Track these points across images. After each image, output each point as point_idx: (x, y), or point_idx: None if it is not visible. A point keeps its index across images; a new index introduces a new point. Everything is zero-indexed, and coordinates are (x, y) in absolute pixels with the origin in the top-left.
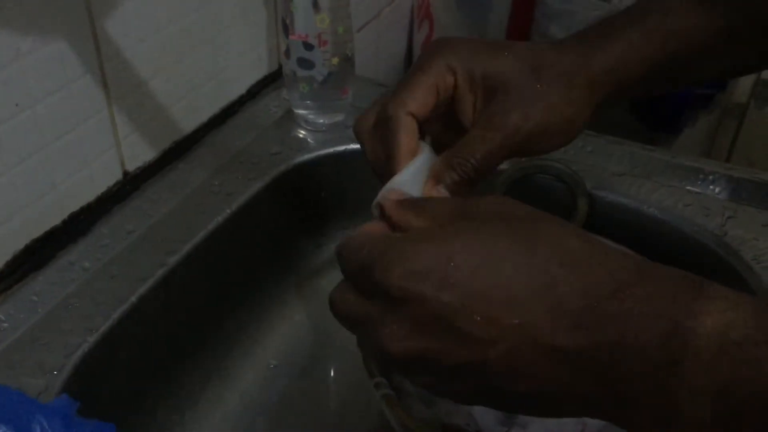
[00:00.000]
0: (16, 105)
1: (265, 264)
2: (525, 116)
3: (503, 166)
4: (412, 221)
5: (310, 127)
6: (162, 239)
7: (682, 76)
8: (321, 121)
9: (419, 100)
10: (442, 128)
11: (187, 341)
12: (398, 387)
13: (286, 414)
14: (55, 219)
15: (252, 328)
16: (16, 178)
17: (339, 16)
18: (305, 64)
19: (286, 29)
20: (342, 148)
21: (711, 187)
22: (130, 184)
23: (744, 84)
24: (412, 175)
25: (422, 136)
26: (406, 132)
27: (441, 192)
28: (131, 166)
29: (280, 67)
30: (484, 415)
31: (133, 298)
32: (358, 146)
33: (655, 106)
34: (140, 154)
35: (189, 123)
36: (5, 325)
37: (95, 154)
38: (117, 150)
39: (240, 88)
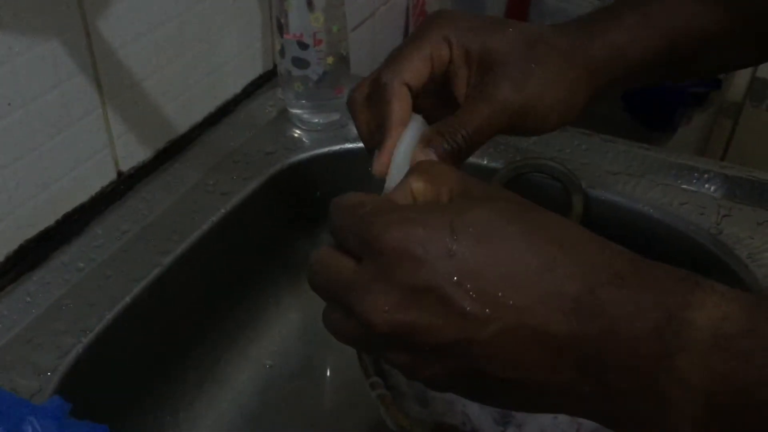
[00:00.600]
0: (9, 104)
1: (260, 264)
2: (517, 90)
3: (498, 165)
4: (414, 185)
5: (305, 126)
6: (156, 239)
7: (682, 66)
8: (316, 120)
9: (413, 70)
10: (436, 104)
11: (182, 341)
12: (394, 387)
13: (282, 414)
14: (49, 219)
15: (247, 328)
16: (9, 178)
17: (334, 15)
18: (300, 63)
19: (281, 28)
20: (337, 147)
21: (706, 185)
22: (124, 184)
23: (739, 82)
24: (404, 146)
25: (416, 110)
26: (399, 100)
27: (430, 155)
28: (125, 166)
29: (275, 66)
30: (479, 414)
31: (128, 299)
32: (353, 146)
33: (650, 104)
34: (134, 153)
35: (183, 122)
36: None
37: (89, 153)
38: (111, 150)
39: (235, 88)
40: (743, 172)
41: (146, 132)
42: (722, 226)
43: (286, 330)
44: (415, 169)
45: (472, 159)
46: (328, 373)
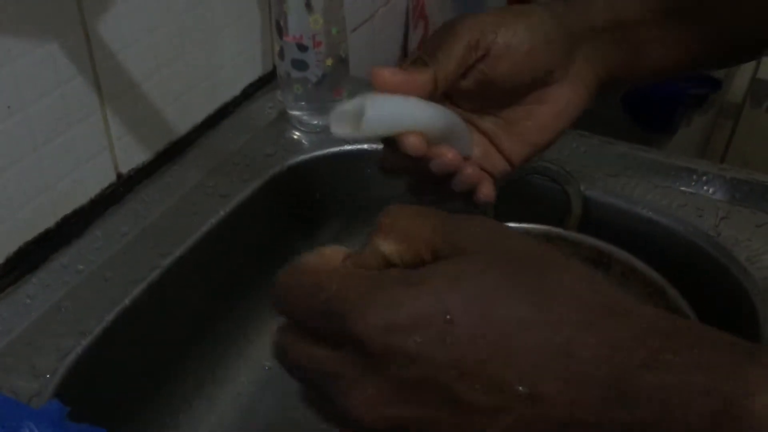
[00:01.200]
0: (8, 107)
1: (260, 265)
2: (488, 23)
3: None
4: (385, 248)
5: (305, 128)
6: (156, 241)
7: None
8: (315, 122)
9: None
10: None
11: (181, 343)
12: None
13: (281, 416)
14: (49, 221)
15: (247, 329)
16: (8, 180)
17: (333, 17)
18: (299, 65)
19: (280, 30)
20: (336, 149)
21: (705, 187)
22: (124, 186)
23: (739, 83)
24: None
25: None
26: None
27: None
28: (125, 168)
29: (274, 68)
30: None
31: (127, 301)
32: (352, 148)
33: (649, 105)
34: (134, 155)
35: (183, 124)
36: None
37: (88, 156)
38: (110, 152)
39: (234, 90)
40: (742, 174)
41: (146, 134)
42: (721, 228)
43: None
44: (380, 228)
45: None
46: None
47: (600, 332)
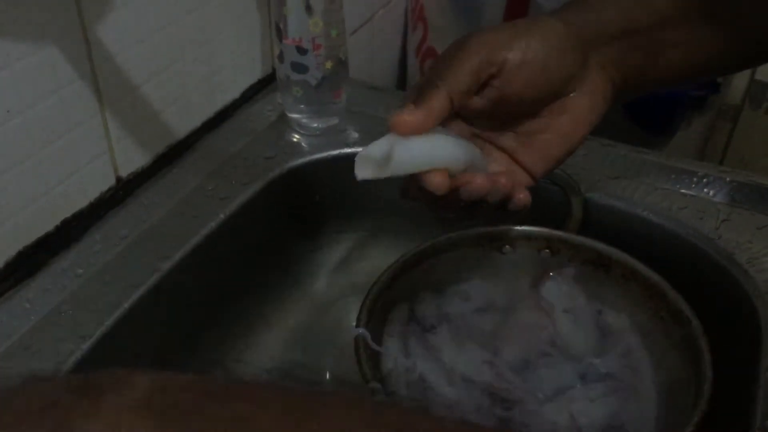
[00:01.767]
0: (8, 111)
1: (260, 268)
2: (500, 39)
3: None
4: None
5: (304, 131)
6: (155, 245)
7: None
8: (315, 125)
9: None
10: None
11: (181, 347)
12: (393, 392)
13: None
14: (48, 225)
15: (246, 332)
16: (8, 184)
17: (332, 19)
18: (299, 68)
19: (280, 33)
20: (336, 152)
21: (705, 189)
22: (123, 190)
23: (738, 85)
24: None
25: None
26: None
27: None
28: (124, 172)
29: (274, 71)
30: (477, 421)
31: (127, 305)
32: (352, 150)
33: (649, 108)
34: (133, 159)
35: (182, 127)
36: None
37: (88, 159)
38: (110, 155)
39: (234, 92)
40: (742, 176)
41: (145, 137)
42: (721, 230)
43: (285, 334)
44: None
45: None
46: (328, 377)
47: None
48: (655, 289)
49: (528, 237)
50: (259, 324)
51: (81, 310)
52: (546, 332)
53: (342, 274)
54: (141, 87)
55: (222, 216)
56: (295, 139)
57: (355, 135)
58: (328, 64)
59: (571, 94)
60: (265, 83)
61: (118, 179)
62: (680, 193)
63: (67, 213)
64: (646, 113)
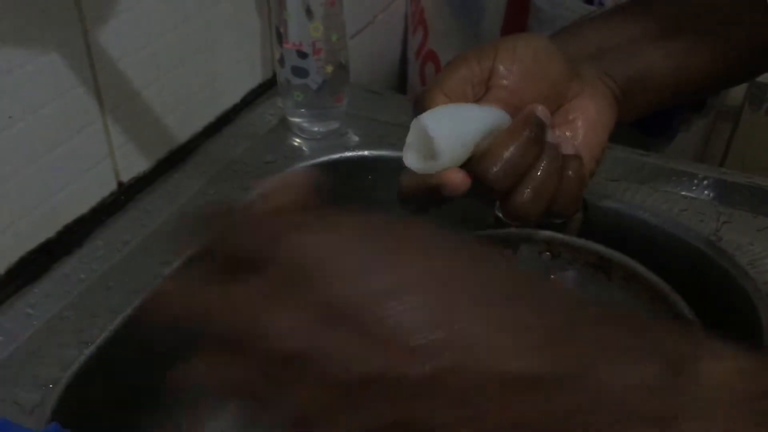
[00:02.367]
0: (10, 117)
1: None
2: (487, 45)
3: None
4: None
5: (305, 135)
6: (157, 250)
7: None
8: (316, 129)
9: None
10: None
11: (184, 352)
12: None
13: None
14: (50, 231)
15: None
16: (9, 190)
17: (333, 23)
18: (299, 72)
19: (280, 38)
20: (337, 156)
21: (705, 191)
22: (125, 195)
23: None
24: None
25: None
26: None
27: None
28: (126, 177)
29: (275, 75)
30: None
31: (129, 310)
32: (353, 154)
33: None
34: (134, 164)
35: (183, 132)
36: (0, 338)
37: (89, 164)
38: (111, 160)
39: (234, 97)
40: (743, 178)
41: (146, 142)
42: (722, 232)
43: None
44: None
45: None
46: None
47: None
48: (656, 292)
49: (528, 239)
50: None
51: (83, 316)
52: None
53: None
54: (142, 92)
55: None
56: (296, 144)
57: (356, 139)
58: (329, 68)
59: (577, 98)
60: (266, 87)
61: (120, 184)
62: (681, 195)
63: (68, 218)
64: (645, 115)
